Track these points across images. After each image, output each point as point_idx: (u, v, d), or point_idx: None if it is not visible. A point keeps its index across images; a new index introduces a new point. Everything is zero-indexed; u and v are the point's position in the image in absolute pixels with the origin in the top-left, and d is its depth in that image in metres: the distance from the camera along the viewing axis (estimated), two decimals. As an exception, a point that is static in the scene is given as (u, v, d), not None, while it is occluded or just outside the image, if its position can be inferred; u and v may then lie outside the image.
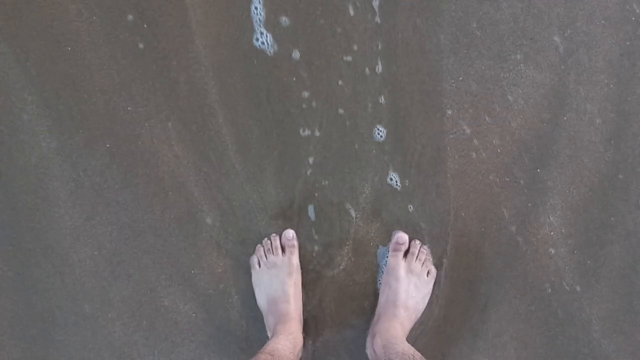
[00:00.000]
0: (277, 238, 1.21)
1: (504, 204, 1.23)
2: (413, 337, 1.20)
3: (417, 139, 1.23)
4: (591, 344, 1.21)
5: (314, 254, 1.23)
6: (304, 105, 1.23)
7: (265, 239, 1.22)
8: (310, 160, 1.23)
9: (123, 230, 1.23)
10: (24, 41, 1.22)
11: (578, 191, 1.23)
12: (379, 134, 1.22)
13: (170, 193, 1.23)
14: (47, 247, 1.23)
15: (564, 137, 1.23)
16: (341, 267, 1.23)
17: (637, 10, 1.24)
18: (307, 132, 1.23)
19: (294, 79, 1.23)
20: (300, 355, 1.09)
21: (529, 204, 1.23)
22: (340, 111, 1.23)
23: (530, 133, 1.23)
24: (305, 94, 1.23)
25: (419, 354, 0.95)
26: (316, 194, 1.23)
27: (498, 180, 1.23)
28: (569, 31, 1.24)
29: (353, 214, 1.23)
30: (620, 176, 1.23)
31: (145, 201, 1.23)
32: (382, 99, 1.23)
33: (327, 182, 1.23)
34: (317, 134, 1.23)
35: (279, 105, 1.23)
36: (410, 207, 1.23)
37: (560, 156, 1.23)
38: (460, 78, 1.23)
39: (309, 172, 1.23)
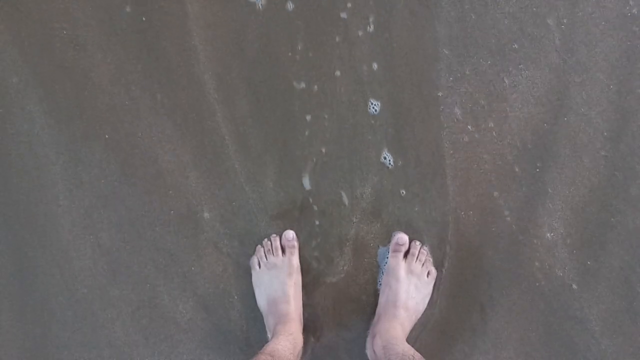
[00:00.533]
0: (277, 239, 1.21)
1: (504, 205, 1.23)
2: (413, 338, 1.20)
3: (413, 125, 1.23)
4: (591, 343, 1.21)
5: (314, 255, 1.23)
6: (297, 57, 1.23)
7: (265, 239, 1.21)
8: (308, 117, 1.23)
9: (122, 228, 1.23)
10: (22, 29, 1.23)
11: (578, 191, 1.23)
12: (373, 107, 1.22)
13: (171, 192, 1.23)
14: (46, 243, 1.23)
15: (564, 137, 1.23)
16: (341, 268, 1.23)
17: (636, 11, 1.24)
18: (302, 84, 1.22)
19: (288, 32, 1.23)
20: (300, 355, 1.09)
21: (529, 204, 1.23)
22: (337, 73, 1.23)
23: (530, 133, 1.23)
24: (300, 46, 1.23)
25: (419, 354, 0.95)
26: (314, 159, 1.23)
27: (497, 179, 1.23)
28: (568, 30, 1.24)
29: (346, 201, 1.23)
30: (619, 176, 1.23)
31: (144, 199, 1.23)
32: (375, 65, 1.23)
33: (324, 149, 1.23)
34: (315, 88, 1.23)
35: (271, 59, 1.23)
36: (403, 192, 1.23)
37: (560, 156, 1.23)
38: (458, 74, 1.23)
39: (307, 132, 1.23)
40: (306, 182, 1.23)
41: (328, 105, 1.23)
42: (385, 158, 1.23)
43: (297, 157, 1.23)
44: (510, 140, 1.23)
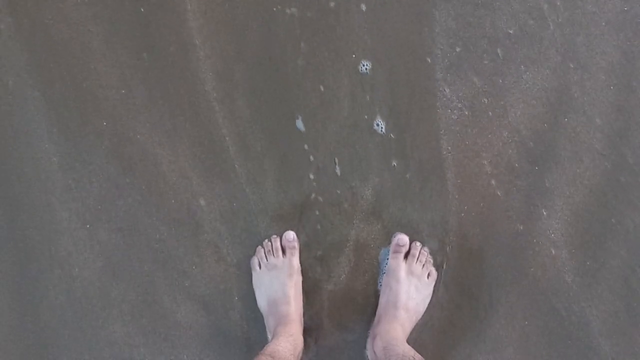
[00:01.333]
0: (278, 239, 1.20)
1: (504, 205, 1.23)
2: (413, 339, 1.19)
3: (411, 115, 1.23)
4: (591, 344, 1.21)
5: (315, 256, 1.23)
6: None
7: (266, 240, 1.21)
8: (302, 45, 1.23)
9: (121, 227, 1.23)
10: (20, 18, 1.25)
11: (578, 192, 1.23)
12: (364, 67, 1.22)
13: (170, 191, 1.23)
14: (45, 240, 1.23)
15: (564, 137, 1.23)
16: (342, 269, 1.23)
17: (637, 11, 1.24)
18: (293, 9, 1.22)
19: None
20: (300, 356, 1.09)
21: (529, 205, 1.23)
22: (332, 4, 1.23)
23: (530, 134, 1.23)
24: None
25: (419, 355, 0.95)
26: (312, 100, 1.23)
27: (498, 181, 1.23)
28: (569, 31, 1.24)
29: (338, 170, 1.23)
30: (620, 177, 1.23)
31: (145, 198, 1.23)
32: (364, 7, 1.23)
33: (322, 87, 1.23)
34: (309, 14, 1.23)
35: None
36: (394, 163, 1.23)
37: (560, 157, 1.23)
38: (453, 65, 1.23)
39: (299, 62, 1.23)
40: (300, 124, 1.23)
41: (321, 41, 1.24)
42: (377, 124, 1.22)
43: (291, 98, 1.23)
44: (510, 142, 1.23)
